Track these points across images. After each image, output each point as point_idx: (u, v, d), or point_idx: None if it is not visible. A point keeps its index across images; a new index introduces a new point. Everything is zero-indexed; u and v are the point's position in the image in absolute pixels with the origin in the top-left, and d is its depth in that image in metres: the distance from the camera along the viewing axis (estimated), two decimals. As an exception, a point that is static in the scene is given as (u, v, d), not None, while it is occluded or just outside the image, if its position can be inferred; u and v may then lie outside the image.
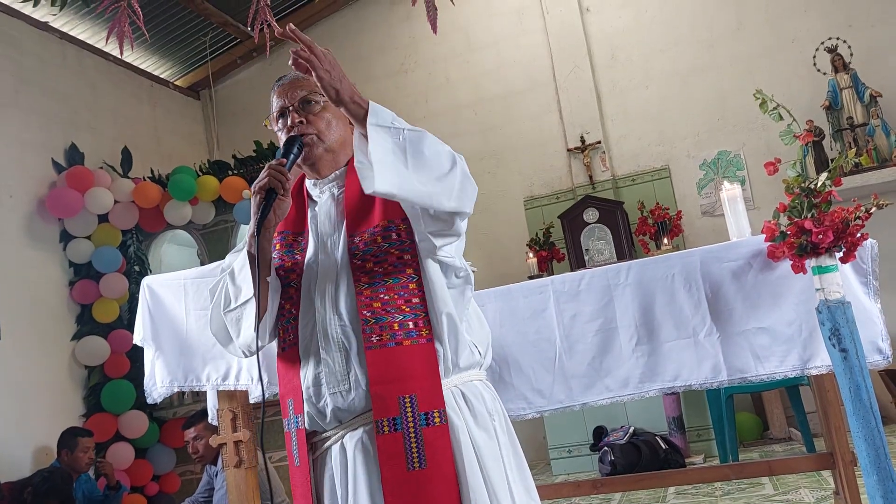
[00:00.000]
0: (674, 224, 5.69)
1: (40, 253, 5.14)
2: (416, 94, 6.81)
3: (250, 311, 1.62)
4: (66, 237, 5.35)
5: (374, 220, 1.62)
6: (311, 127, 1.70)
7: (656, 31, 6.17)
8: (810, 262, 2.26)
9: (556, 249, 6.01)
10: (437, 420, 1.52)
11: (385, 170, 1.42)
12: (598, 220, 5.80)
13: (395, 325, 1.55)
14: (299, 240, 1.71)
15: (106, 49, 5.84)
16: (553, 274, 5.82)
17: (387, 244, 1.59)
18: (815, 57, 5.58)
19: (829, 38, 5.54)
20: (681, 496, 4.14)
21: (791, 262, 2.29)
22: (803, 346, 2.40)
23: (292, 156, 1.64)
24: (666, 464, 4.77)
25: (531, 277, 5.71)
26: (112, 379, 5.32)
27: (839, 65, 5.45)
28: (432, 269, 1.60)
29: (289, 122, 1.71)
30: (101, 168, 5.59)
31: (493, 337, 2.78)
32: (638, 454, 4.81)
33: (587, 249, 5.80)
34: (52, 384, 5.03)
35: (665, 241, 5.59)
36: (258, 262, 1.60)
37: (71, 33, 5.77)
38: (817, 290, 2.26)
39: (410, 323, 1.56)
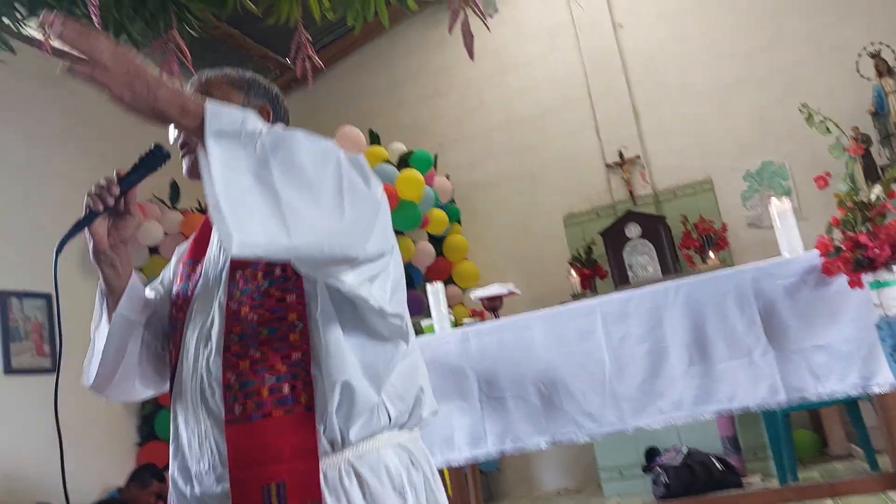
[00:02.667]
0: (719, 237, 5.61)
1: (93, 286, 5.27)
2: (451, 117, 6.86)
3: (93, 349, 1.42)
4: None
5: None
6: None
7: (692, 45, 6.13)
8: (867, 277, 2.21)
9: (599, 266, 5.96)
10: None
11: (244, 213, 1.01)
12: (640, 235, 5.75)
13: (265, 390, 1.20)
14: (198, 269, 1.39)
15: (151, 86, 6.01)
16: (596, 291, 5.78)
17: (267, 282, 1.26)
18: (857, 62, 5.48)
19: (872, 44, 5.44)
20: (738, 517, 4.03)
21: (847, 277, 2.24)
22: (863, 363, 2.34)
23: (138, 167, 1.32)
24: (722, 485, 4.66)
25: (574, 296, 5.68)
26: (165, 407, 5.42)
27: (883, 69, 5.34)
28: (326, 311, 1.23)
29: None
30: (151, 201, 5.73)
31: (541, 360, 2.78)
32: (692, 475, 4.71)
33: (630, 265, 5.74)
34: (107, 414, 5.14)
35: (711, 254, 5.51)
36: (57, 296, 1.30)
37: (118, 73, 5.96)
38: (875, 305, 2.21)
39: (286, 386, 1.20)
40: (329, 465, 1.20)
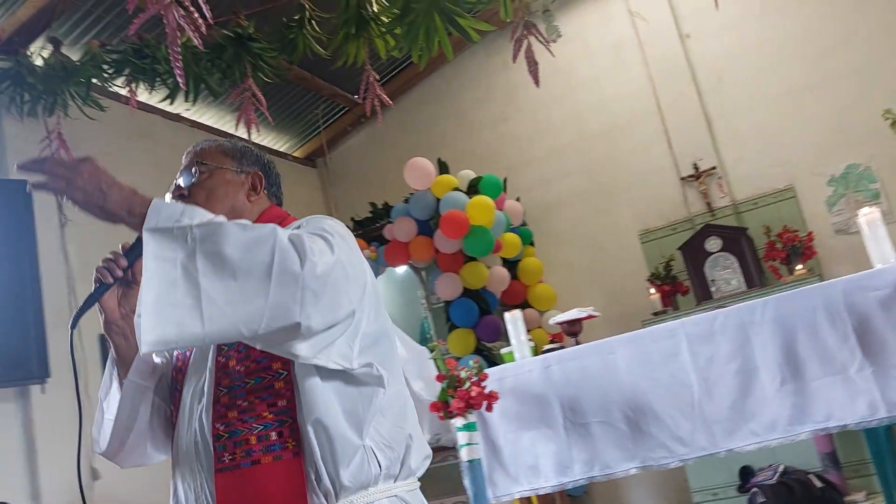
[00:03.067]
0: (805, 246, 5.41)
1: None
2: (520, 139, 6.88)
3: (103, 416, 1.47)
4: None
5: None
6: (190, 201, 1.47)
7: (762, 51, 5.98)
8: (969, 286, 2.11)
9: (679, 283, 5.83)
10: None
11: (162, 308, 1.09)
12: (721, 248, 5.60)
13: (253, 438, 1.25)
14: None
15: (231, 131, 6.28)
16: (678, 308, 5.65)
17: None
18: (943, 55, 5.23)
19: (957, 34, 5.19)
20: (845, 539, 3.84)
21: (946, 287, 2.14)
22: (970, 376, 2.22)
23: (140, 239, 1.35)
24: (823, 503, 4.46)
25: (655, 314, 5.57)
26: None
27: (970, 60, 5.08)
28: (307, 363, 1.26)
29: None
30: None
31: (626, 384, 2.75)
32: (791, 494, 4.52)
33: (713, 280, 5.60)
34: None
35: (798, 265, 5.32)
36: (75, 369, 1.38)
37: (200, 121, 6.26)
38: (981, 315, 2.10)
39: (273, 433, 1.25)
40: None
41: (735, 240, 5.58)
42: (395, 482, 1.32)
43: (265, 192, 1.62)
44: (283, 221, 1.48)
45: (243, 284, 1.11)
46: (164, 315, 1.09)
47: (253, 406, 1.26)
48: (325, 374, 1.26)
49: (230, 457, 1.25)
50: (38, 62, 4.50)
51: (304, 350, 1.18)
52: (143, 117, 5.57)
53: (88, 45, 4.44)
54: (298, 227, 1.37)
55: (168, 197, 1.51)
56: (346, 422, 1.26)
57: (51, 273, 4.50)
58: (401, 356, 3.58)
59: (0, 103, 4.63)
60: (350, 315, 1.23)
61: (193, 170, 1.51)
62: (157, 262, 1.11)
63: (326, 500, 1.23)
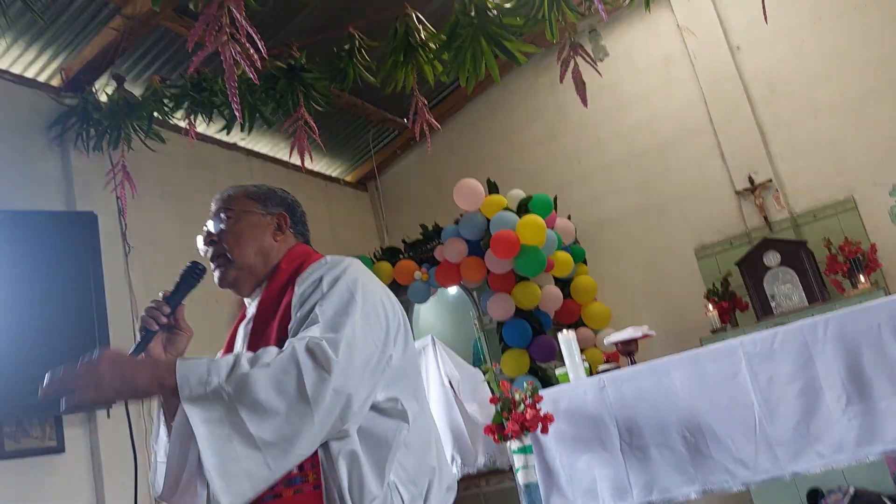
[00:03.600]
0: (869, 259, 5.24)
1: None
2: (568, 157, 6.86)
3: (156, 461, 1.56)
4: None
5: (269, 343, 1.40)
6: (220, 246, 1.57)
7: (818, 59, 5.85)
8: None
9: (738, 299, 5.70)
10: None
11: (226, 470, 1.14)
12: (780, 263, 5.46)
13: None
14: None
15: (285, 159, 6.43)
16: (737, 325, 5.52)
17: None
18: None
19: None
20: (922, 565, 3.67)
21: None
22: None
23: (180, 285, 1.53)
24: (898, 527, 4.28)
25: (713, 331, 5.46)
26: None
27: None
28: None
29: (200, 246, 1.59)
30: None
31: (684, 406, 2.69)
32: (863, 517, 4.35)
33: (772, 296, 5.46)
34: None
35: (861, 278, 5.15)
36: (129, 420, 1.53)
37: (254, 149, 6.44)
38: None
39: (294, 468, 1.27)
40: None
41: (795, 253, 5.44)
42: None
43: (291, 230, 1.68)
44: (308, 258, 1.56)
45: (289, 417, 1.17)
46: (232, 472, 1.14)
47: None
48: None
49: None
50: (103, 98, 4.70)
51: (355, 422, 1.26)
52: (201, 147, 5.75)
53: (150, 80, 4.63)
54: (320, 279, 1.40)
55: (200, 242, 1.60)
56: (372, 458, 1.29)
57: (116, 300, 4.67)
58: (454, 378, 3.59)
59: (68, 139, 4.86)
60: (383, 371, 1.31)
61: (222, 216, 1.59)
62: (206, 426, 1.16)
63: None
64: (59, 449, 4.25)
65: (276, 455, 1.16)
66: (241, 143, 6.27)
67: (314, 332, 1.27)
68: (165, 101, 4.52)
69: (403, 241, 6.56)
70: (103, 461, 4.42)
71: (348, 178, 7.62)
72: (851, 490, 4.58)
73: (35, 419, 4.11)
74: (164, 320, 1.50)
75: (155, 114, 4.64)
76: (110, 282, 4.60)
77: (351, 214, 7.43)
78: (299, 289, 1.41)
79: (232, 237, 1.57)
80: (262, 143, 6.50)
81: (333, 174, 7.44)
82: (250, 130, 4.56)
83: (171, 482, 1.48)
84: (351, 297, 1.33)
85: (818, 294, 5.27)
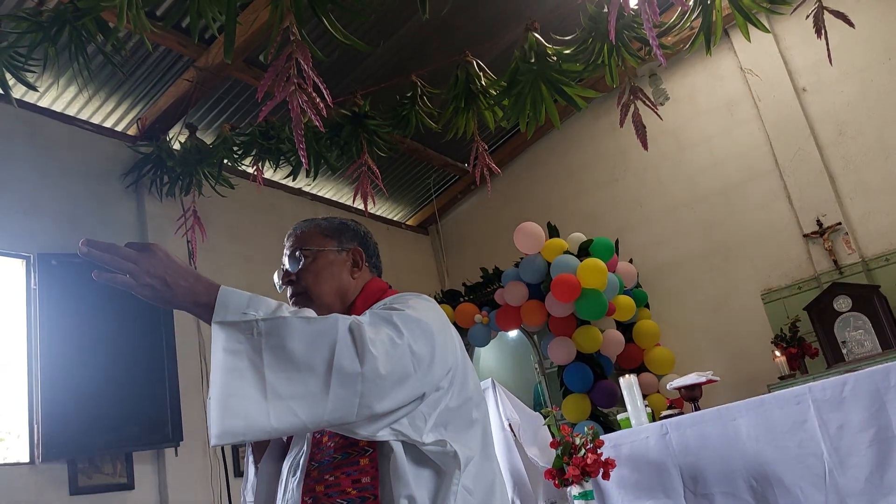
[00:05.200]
0: (947, 304, 5.02)
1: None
2: (630, 200, 6.83)
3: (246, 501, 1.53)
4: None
5: None
6: (299, 286, 1.53)
7: (888, 99, 5.72)
8: None
9: (808, 344, 5.51)
10: None
11: (231, 400, 1.11)
12: (851, 308, 5.28)
13: (349, 481, 1.28)
14: None
15: (348, 203, 6.60)
16: (807, 371, 5.33)
17: None
18: None
19: None
20: None
21: None
22: None
23: None
24: None
25: (781, 378, 5.28)
26: None
27: None
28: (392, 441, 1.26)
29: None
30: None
31: (750, 453, 2.61)
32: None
33: (844, 342, 5.26)
34: None
35: (939, 324, 4.92)
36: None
37: (319, 194, 6.63)
38: None
39: None
40: None
41: (866, 298, 5.25)
42: None
43: (366, 264, 1.63)
44: (383, 294, 1.54)
45: (306, 380, 1.14)
46: (232, 408, 1.10)
47: (339, 481, 1.30)
48: (410, 451, 1.27)
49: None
50: (176, 146, 4.94)
51: (363, 430, 1.20)
52: (267, 192, 5.96)
53: (221, 129, 4.84)
54: (392, 301, 1.40)
55: (276, 280, 1.57)
56: (428, 498, 1.26)
57: (185, 341, 4.83)
58: (514, 421, 3.56)
59: (143, 185, 5.11)
60: (419, 398, 1.25)
61: (298, 254, 1.55)
62: (224, 354, 1.13)
63: None
64: (129, 486, 4.37)
65: (280, 410, 1.12)
66: (307, 189, 6.47)
67: (363, 317, 1.25)
68: (235, 148, 4.72)
69: (464, 285, 6.61)
70: (171, 499, 4.52)
71: (410, 222, 7.75)
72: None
73: (107, 455, 4.24)
74: None
75: (225, 161, 4.84)
76: (179, 323, 4.78)
77: (412, 257, 7.53)
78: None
79: (310, 277, 1.53)
80: (326, 189, 6.69)
81: (395, 218, 7.58)
82: (315, 176, 4.71)
83: None
84: (413, 319, 1.29)
85: (892, 340, 5.06)
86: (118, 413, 4.13)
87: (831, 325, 5.31)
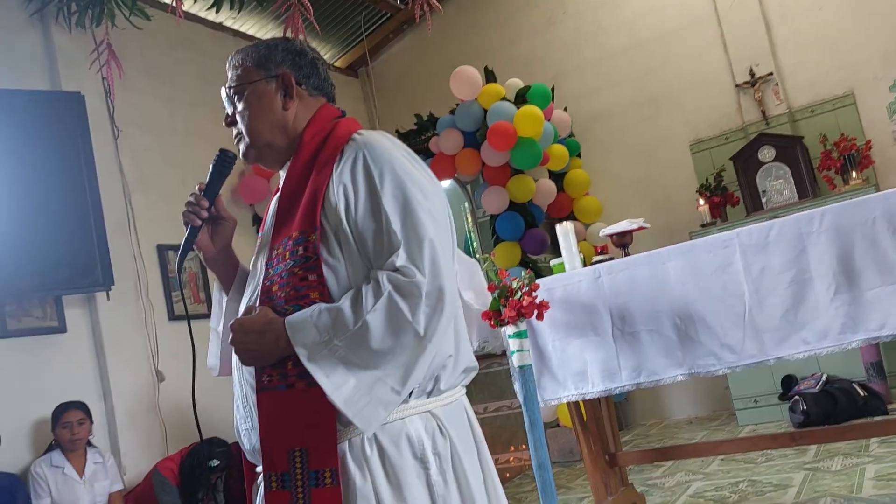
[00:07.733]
0: (863, 155, 5.25)
1: (237, 238, 5.64)
2: (567, 46, 6.68)
3: (218, 339, 1.59)
4: (256, 220, 5.83)
5: (292, 230, 1.34)
6: (237, 127, 1.47)
7: (830, -54, 5.63)
8: None
9: (730, 194, 5.74)
10: (327, 481, 1.24)
11: (361, 413, 1.22)
12: (774, 158, 5.47)
13: (289, 363, 1.28)
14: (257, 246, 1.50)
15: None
16: (727, 220, 5.58)
17: (292, 262, 1.31)
18: None
19: None
20: (885, 445, 3.89)
21: None
22: None
23: (213, 175, 1.51)
24: (865, 412, 4.51)
25: (703, 226, 5.52)
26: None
27: None
28: (344, 289, 1.29)
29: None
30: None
31: (676, 294, 2.76)
32: (833, 403, 4.57)
33: (764, 191, 5.50)
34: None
35: (854, 174, 5.18)
36: (188, 314, 1.69)
37: (242, 30, 6.21)
38: None
39: None
40: (353, 434, 1.28)
41: (790, 149, 5.44)
42: (428, 398, 1.34)
43: (303, 88, 1.47)
44: (335, 126, 1.42)
45: (396, 357, 1.24)
46: (362, 407, 1.22)
47: None
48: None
49: (268, 378, 1.31)
50: (84, -29, 4.47)
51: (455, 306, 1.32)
52: (187, 27, 5.54)
53: (133, -48, 4.40)
54: (354, 156, 1.33)
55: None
56: None
57: (107, 184, 4.62)
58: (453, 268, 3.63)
59: (48, 14, 4.65)
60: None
61: (231, 92, 1.46)
62: (328, 380, 1.22)
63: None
64: (62, 329, 4.32)
65: (399, 378, 1.24)
66: (229, 24, 6.04)
67: (395, 261, 1.26)
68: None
69: (396, 132, 6.46)
70: (105, 341, 4.51)
71: (338, 64, 7.40)
72: (824, 377, 4.79)
73: (35, 299, 4.14)
74: (205, 214, 1.49)
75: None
76: (101, 165, 4.53)
77: (341, 102, 6.94)
78: (338, 188, 1.31)
79: (245, 118, 1.44)
80: (249, 24, 6.26)
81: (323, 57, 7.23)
82: (241, 7, 4.37)
83: (227, 359, 1.55)
84: (411, 197, 1.29)
85: (809, 190, 5.32)
86: (45, 256, 3.98)
87: (754, 174, 5.51)
